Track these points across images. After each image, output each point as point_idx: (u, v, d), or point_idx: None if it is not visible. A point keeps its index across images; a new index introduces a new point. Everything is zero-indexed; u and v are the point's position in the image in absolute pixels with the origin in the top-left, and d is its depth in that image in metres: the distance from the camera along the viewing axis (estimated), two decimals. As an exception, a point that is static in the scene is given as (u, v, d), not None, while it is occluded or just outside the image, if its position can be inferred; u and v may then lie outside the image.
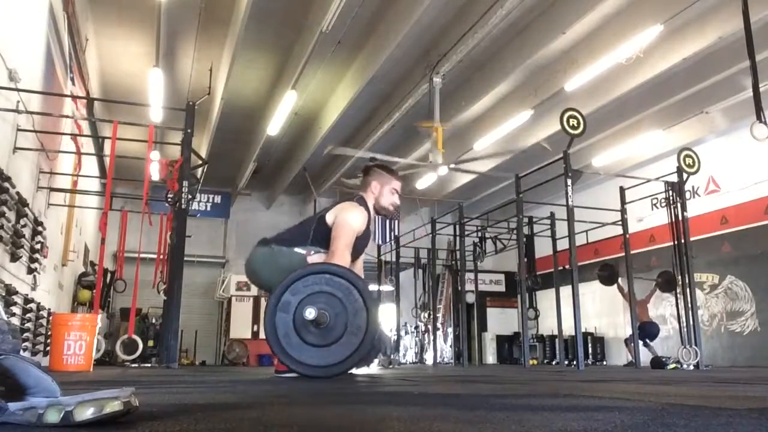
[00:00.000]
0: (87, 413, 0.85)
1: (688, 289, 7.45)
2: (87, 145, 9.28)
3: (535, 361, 13.08)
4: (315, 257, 3.08)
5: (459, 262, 11.25)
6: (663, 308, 10.58)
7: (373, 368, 6.24)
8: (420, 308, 13.35)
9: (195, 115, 6.60)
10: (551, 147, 10.18)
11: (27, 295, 5.98)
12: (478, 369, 8.02)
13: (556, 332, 9.29)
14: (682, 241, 7.61)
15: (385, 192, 3.36)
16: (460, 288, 11.28)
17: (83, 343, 4.93)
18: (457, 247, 11.14)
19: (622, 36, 7.67)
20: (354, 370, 3.69)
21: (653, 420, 0.99)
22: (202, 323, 14.38)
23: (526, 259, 9.68)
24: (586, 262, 10.69)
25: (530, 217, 10.66)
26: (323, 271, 2.77)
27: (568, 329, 8.00)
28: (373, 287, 12.00)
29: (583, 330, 7.55)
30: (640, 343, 9.14)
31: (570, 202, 6.79)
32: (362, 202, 3.30)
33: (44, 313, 6.78)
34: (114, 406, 0.86)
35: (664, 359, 8.59)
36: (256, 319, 13.34)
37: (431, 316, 12.69)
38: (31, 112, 5.80)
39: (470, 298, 12.11)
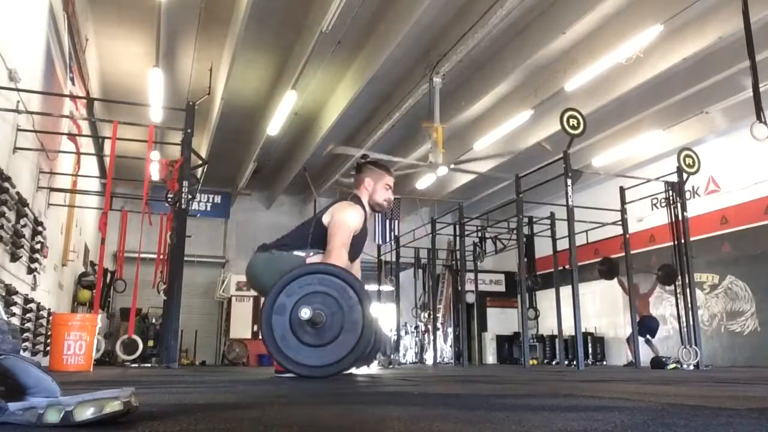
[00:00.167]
0: (87, 413, 0.85)
1: (688, 289, 7.45)
2: (87, 145, 9.28)
3: (535, 361, 13.09)
4: (314, 258, 3.09)
5: (459, 262, 11.25)
6: (663, 308, 10.58)
7: (373, 368, 6.25)
8: (420, 308, 13.35)
9: (195, 115, 6.60)
10: (551, 147, 10.18)
11: (27, 295, 5.98)
12: (478, 369, 8.01)
13: (556, 332, 9.29)
14: (682, 241, 7.61)
15: (378, 188, 3.36)
16: (460, 288, 11.28)
17: (83, 343, 4.93)
18: (457, 247, 11.14)
19: (622, 36, 7.67)
20: (354, 370, 3.69)
21: (653, 420, 0.99)
22: (202, 323, 14.38)
23: (526, 259, 9.68)
24: (586, 262, 10.69)
25: (530, 217, 10.66)
26: (316, 271, 2.77)
27: (568, 329, 8.00)
28: (372, 287, 12.08)
29: (583, 330, 7.55)
30: (642, 340, 9.14)
31: (570, 202, 6.79)
32: (357, 200, 3.31)
33: (44, 313, 6.78)
34: (114, 406, 0.86)
35: (664, 359, 8.59)
36: (256, 319, 13.33)
37: (431, 316, 12.69)
38: (31, 112, 5.80)
39: (470, 298, 12.10)
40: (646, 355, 9.20)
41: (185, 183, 6.16)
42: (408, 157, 10.55)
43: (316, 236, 3.14)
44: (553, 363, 12.59)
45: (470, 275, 11.68)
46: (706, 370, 6.85)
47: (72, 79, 7.69)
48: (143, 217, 6.40)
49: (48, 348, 5.96)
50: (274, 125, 10.08)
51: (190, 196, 6.27)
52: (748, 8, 5.74)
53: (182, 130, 6.49)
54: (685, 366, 7.52)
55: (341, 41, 8.16)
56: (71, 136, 7.24)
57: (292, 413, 1.20)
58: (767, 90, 6.82)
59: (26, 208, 5.44)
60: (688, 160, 7.73)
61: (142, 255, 8.12)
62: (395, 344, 11.68)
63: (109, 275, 11.21)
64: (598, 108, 9.17)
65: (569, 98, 8.80)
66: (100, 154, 10.13)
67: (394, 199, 11.42)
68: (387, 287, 12.81)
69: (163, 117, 9.49)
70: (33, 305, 6.23)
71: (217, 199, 15.05)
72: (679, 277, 7.65)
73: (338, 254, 2.96)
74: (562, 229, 8.41)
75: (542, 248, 10.90)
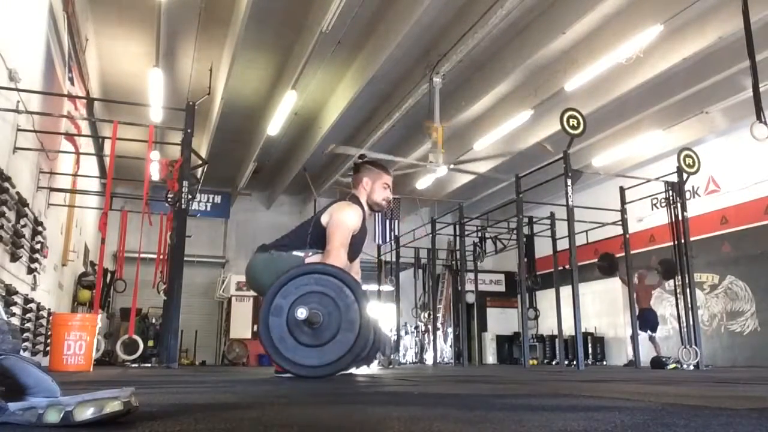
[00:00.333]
0: (87, 413, 0.85)
1: (688, 289, 7.45)
2: (87, 145, 9.28)
3: (535, 361, 13.08)
4: (313, 258, 3.09)
5: (459, 262, 11.25)
6: (663, 308, 10.57)
7: (373, 368, 6.25)
8: (420, 308, 13.35)
9: (195, 115, 6.60)
10: (552, 147, 10.19)
11: (27, 295, 5.98)
12: (478, 369, 8.02)
13: (556, 332, 9.29)
14: (682, 241, 7.61)
15: (376, 188, 3.36)
16: (460, 288, 11.28)
17: (83, 343, 4.93)
18: (457, 247, 11.15)
19: (622, 36, 7.67)
20: (354, 370, 3.69)
21: (653, 420, 0.99)
22: (202, 323, 14.38)
23: (526, 259, 9.68)
24: (586, 262, 10.68)
25: (530, 217, 10.66)
26: (312, 271, 2.77)
27: (568, 329, 8.00)
28: (372, 287, 12.09)
29: (583, 330, 7.55)
30: (646, 336, 9.13)
31: (570, 202, 6.79)
32: (355, 200, 3.31)
33: (44, 313, 6.78)
34: (114, 406, 0.86)
35: (664, 359, 8.59)
36: (256, 319, 13.29)
37: (431, 316, 12.69)
38: (31, 112, 5.80)
39: (470, 298, 12.10)
40: (646, 355, 9.19)
41: (185, 183, 6.16)
42: (408, 157, 10.56)
43: (315, 236, 3.14)
44: (553, 363, 12.59)
45: (470, 275, 11.68)
46: (706, 370, 6.85)
47: (71, 79, 7.68)
48: (143, 217, 6.40)
49: (48, 348, 5.96)
50: (274, 125, 10.08)
51: (190, 196, 6.28)
52: (748, 8, 5.74)
53: (182, 130, 6.49)
54: (685, 366, 7.52)
55: (341, 41, 8.16)
56: (69, 136, 7.23)
57: (292, 413, 1.20)
58: (767, 90, 6.82)
59: (26, 208, 5.44)
60: (688, 160, 7.73)
61: (142, 255, 8.13)
62: (395, 344, 11.68)
63: (109, 275, 11.21)
64: (598, 108, 9.17)
65: (569, 98, 8.80)
66: (100, 154, 10.13)
67: (394, 199, 11.44)
68: (387, 287, 12.81)
69: (163, 117, 9.49)
70: (33, 305, 6.23)
71: (217, 199, 15.05)
72: (679, 277, 7.65)
73: (337, 254, 2.96)
74: (562, 229, 8.41)
75: (542, 248, 10.90)
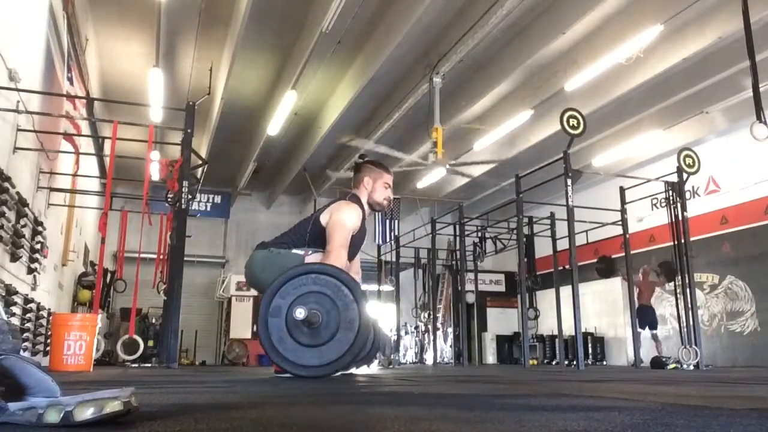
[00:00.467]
0: (87, 413, 0.85)
1: (688, 289, 7.45)
2: (87, 145, 9.28)
3: (535, 361, 13.08)
4: (313, 257, 3.09)
5: (459, 262, 11.24)
6: (663, 308, 10.57)
7: (373, 368, 6.25)
8: (420, 308, 13.35)
9: (195, 115, 6.60)
10: (551, 147, 10.18)
11: (27, 295, 5.98)
12: (478, 369, 8.02)
13: (556, 332, 9.29)
14: (682, 241, 7.61)
15: (378, 187, 3.37)
16: (460, 288, 11.28)
17: (83, 343, 4.93)
18: (457, 247, 11.14)
19: (622, 36, 7.67)
20: (354, 370, 3.70)
21: (653, 420, 0.99)
22: (202, 323, 14.38)
23: (526, 259, 9.68)
24: (586, 262, 10.68)
25: (530, 217, 10.66)
26: (310, 271, 2.77)
27: (568, 329, 8.00)
28: (372, 287, 12.09)
29: (583, 330, 7.55)
30: (648, 335, 9.12)
31: (570, 202, 6.79)
32: (356, 200, 3.32)
33: (44, 313, 6.78)
34: (114, 406, 0.86)
35: (664, 359, 8.59)
36: (255, 319, 13.19)
37: (431, 316, 12.69)
38: (31, 112, 5.80)
39: (470, 298, 12.10)
40: (646, 355, 9.19)
41: (185, 183, 6.17)
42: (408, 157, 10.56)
43: (314, 234, 3.14)
44: (553, 363, 12.58)
45: (470, 275, 11.68)
46: (706, 370, 6.85)
47: (70, 79, 7.68)
48: (143, 217, 6.40)
49: (48, 348, 5.96)
50: (274, 125, 10.08)
51: (190, 196, 6.28)
52: (748, 8, 5.74)
53: (182, 130, 6.49)
54: (685, 366, 7.52)
55: (341, 41, 8.15)
56: (68, 136, 7.23)
57: (292, 413, 1.20)
58: (767, 90, 6.82)
59: (26, 208, 5.44)
60: (688, 160, 7.73)
61: (142, 255, 8.12)
62: (395, 344, 11.68)
63: (109, 275, 11.21)
64: (598, 108, 9.17)
65: (569, 98, 8.80)
66: (100, 154, 10.13)
67: (394, 199, 11.44)
68: (387, 287, 12.81)
69: (163, 117, 9.49)
70: (33, 305, 6.23)
71: (217, 199, 15.05)
72: (679, 277, 7.65)
73: (337, 255, 2.97)
74: (562, 229, 8.40)
75: (542, 248, 10.89)
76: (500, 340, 15.31)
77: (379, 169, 3.45)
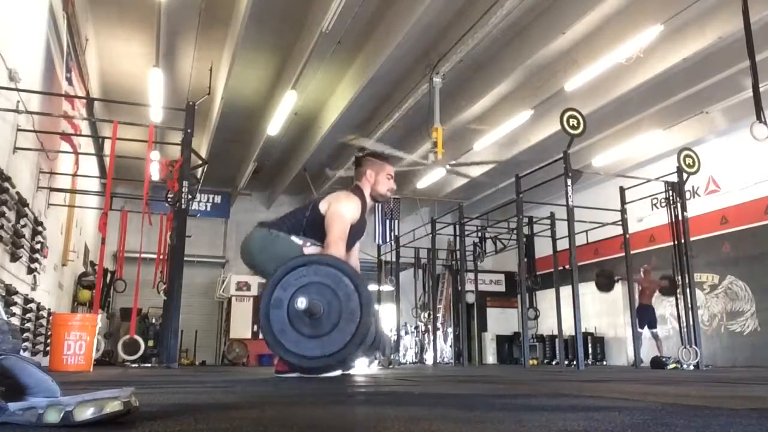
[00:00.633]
0: (87, 413, 0.85)
1: (688, 289, 7.45)
2: (87, 145, 9.28)
3: (535, 361, 13.07)
4: (311, 249, 3.10)
5: (459, 262, 11.24)
6: (663, 308, 10.56)
7: (373, 368, 6.25)
8: (420, 308, 13.34)
9: (195, 115, 6.60)
10: (551, 147, 10.18)
11: (27, 295, 5.98)
12: (478, 369, 8.02)
13: (556, 332, 9.29)
14: (682, 241, 7.61)
15: (380, 179, 3.40)
16: (460, 288, 11.28)
17: (83, 343, 4.93)
18: (457, 247, 11.14)
19: (622, 36, 7.67)
20: (354, 370, 3.70)
21: (653, 420, 0.99)
22: (202, 323, 14.38)
23: (526, 259, 9.68)
24: (586, 262, 10.69)
25: (530, 217, 10.66)
26: (310, 262, 2.77)
27: (568, 329, 8.00)
28: (372, 287, 12.08)
29: (583, 330, 7.55)
30: (648, 334, 9.13)
31: (570, 202, 6.79)
32: (357, 191, 3.34)
33: (44, 313, 6.78)
34: (114, 406, 0.86)
35: (664, 359, 8.59)
36: (256, 319, 13.32)
37: (431, 316, 12.69)
38: (31, 112, 5.80)
39: (470, 298, 12.10)
40: (647, 354, 9.19)
41: (185, 183, 6.17)
42: (407, 157, 10.55)
43: (311, 221, 3.15)
44: (553, 363, 12.58)
45: (470, 275, 11.67)
46: (706, 370, 6.85)
47: (68, 79, 7.68)
48: (143, 217, 6.40)
49: (48, 348, 5.96)
50: (274, 125, 10.08)
51: (190, 196, 6.28)
52: (748, 8, 5.73)
53: (182, 130, 6.49)
54: (685, 366, 7.52)
55: (341, 41, 8.15)
56: (66, 136, 7.24)
57: (293, 413, 1.20)
58: (767, 90, 6.82)
59: (26, 208, 5.44)
60: (688, 160, 7.73)
61: (143, 255, 8.12)
62: (395, 344, 11.68)
63: (109, 275, 11.21)
64: (598, 108, 9.17)
65: (569, 98, 8.80)
66: (100, 154, 10.13)
67: (394, 199, 11.44)
68: (387, 287, 12.81)
69: (163, 117, 9.49)
70: (33, 305, 6.23)
71: (217, 199, 15.05)
72: (679, 278, 7.65)
73: (336, 246, 2.98)
74: (562, 229, 8.40)
75: (542, 248, 10.89)
76: (500, 340, 15.30)
77: (381, 161, 3.48)
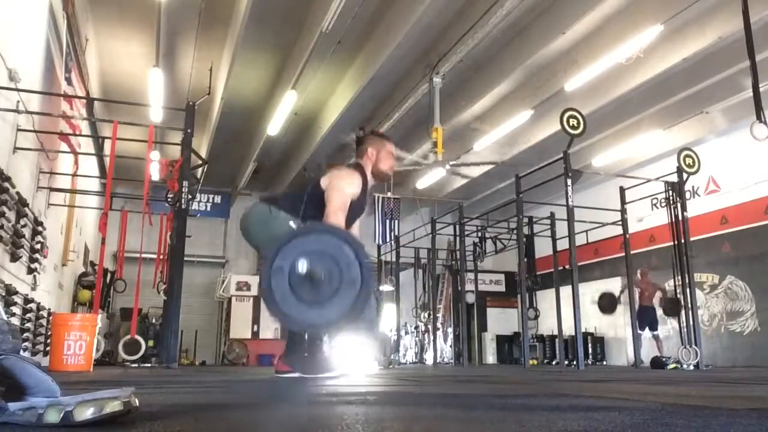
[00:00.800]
0: (87, 413, 0.85)
1: (688, 289, 7.45)
2: (87, 145, 9.28)
3: (535, 361, 13.07)
4: None
5: (459, 262, 11.24)
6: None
7: (374, 368, 6.24)
8: (420, 308, 13.34)
9: (195, 115, 6.60)
10: (551, 147, 10.19)
11: (27, 295, 5.98)
12: (478, 369, 8.02)
13: (556, 332, 9.29)
14: (682, 241, 7.62)
15: (382, 157, 3.43)
16: (460, 288, 11.28)
17: (83, 343, 4.93)
18: (457, 247, 11.14)
19: (622, 36, 7.67)
20: (354, 370, 3.70)
21: (653, 420, 0.99)
22: (202, 323, 14.37)
23: (526, 259, 9.68)
24: (586, 262, 10.68)
25: (530, 217, 10.66)
26: (311, 231, 2.78)
27: (568, 329, 8.00)
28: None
29: (583, 330, 7.55)
30: (648, 335, 9.12)
31: (570, 202, 6.79)
32: (359, 168, 3.36)
33: (44, 313, 6.78)
34: (114, 406, 0.86)
35: (664, 359, 8.59)
36: (256, 319, 13.33)
37: (431, 316, 12.69)
38: (31, 112, 5.80)
39: (470, 298, 12.09)
40: (646, 355, 9.19)
41: (185, 183, 6.17)
42: (407, 157, 10.56)
43: (313, 197, 3.17)
44: (553, 363, 12.57)
45: (470, 275, 11.67)
46: (706, 370, 6.85)
47: (68, 79, 7.68)
48: (143, 217, 6.40)
49: (48, 348, 5.96)
50: (274, 125, 10.08)
51: (190, 196, 6.28)
52: (748, 8, 5.74)
53: (182, 130, 6.49)
54: (685, 366, 7.52)
55: (341, 41, 8.15)
56: (64, 136, 7.24)
57: (292, 413, 1.20)
58: (767, 90, 6.82)
59: (26, 208, 5.44)
60: (688, 160, 7.73)
61: (143, 255, 8.13)
62: (395, 344, 11.67)
63: (109, 275, 11.21)
64: (598, 108, 9.16)
65: (569, 98, 8.80)
66: (100, 154, 10.12)
67: (394, 199, 11.43)
68: (387, 287, 12.81)
69: (163, 117, 9.49)
70: (33, 305, 6.22)
71: (217, 199, 15.05)
72: (679, 278, 7.65)
73: (335, 217, 3.01)
74: (562, 229, 8.40)
75: (542, 248, 10.89)
76: (500, 340, 15.30)
77: (382, 138, 3.52)
